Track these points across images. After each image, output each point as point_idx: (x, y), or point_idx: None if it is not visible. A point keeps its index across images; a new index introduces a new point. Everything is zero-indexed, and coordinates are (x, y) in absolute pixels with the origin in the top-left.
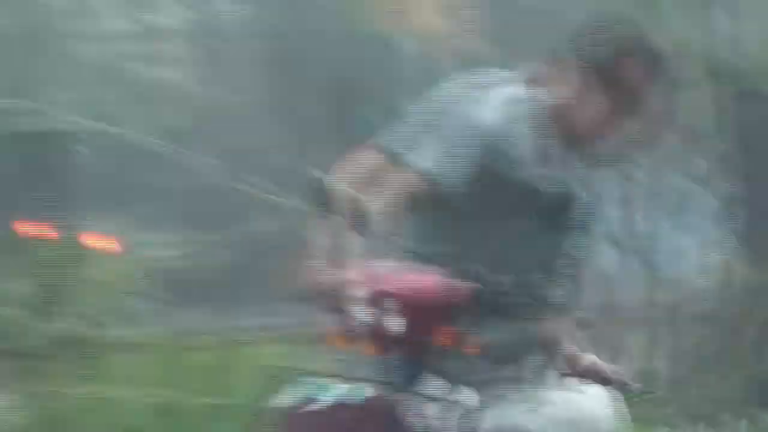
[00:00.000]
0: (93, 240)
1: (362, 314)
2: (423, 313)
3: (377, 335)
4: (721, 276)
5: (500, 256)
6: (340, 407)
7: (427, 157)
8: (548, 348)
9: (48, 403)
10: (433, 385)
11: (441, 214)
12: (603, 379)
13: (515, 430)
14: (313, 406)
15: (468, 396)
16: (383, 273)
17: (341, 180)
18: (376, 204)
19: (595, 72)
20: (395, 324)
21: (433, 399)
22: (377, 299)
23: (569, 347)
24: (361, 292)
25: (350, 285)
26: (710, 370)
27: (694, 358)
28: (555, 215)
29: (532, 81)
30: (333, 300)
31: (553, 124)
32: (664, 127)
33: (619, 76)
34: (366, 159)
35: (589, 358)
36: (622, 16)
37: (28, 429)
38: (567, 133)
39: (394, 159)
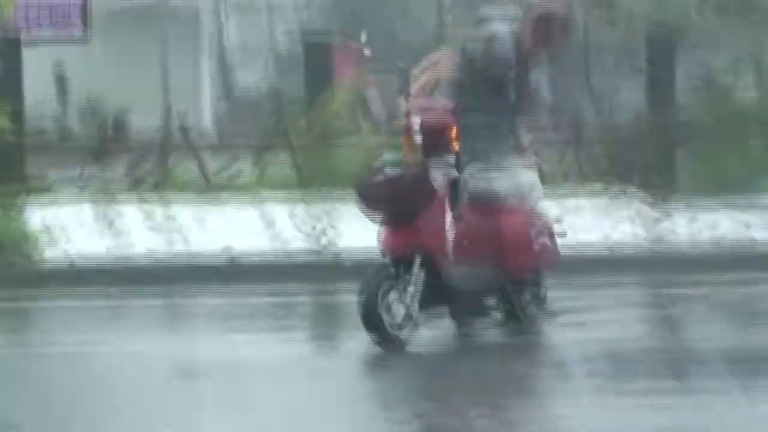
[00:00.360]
0: None
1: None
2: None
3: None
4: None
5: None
6: (386, 179)
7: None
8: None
9: None
10: (439, 165)
11: (469, 78)
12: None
13: (488, 186)
14: (377, 168)
15: (453, 168)
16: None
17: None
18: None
19: (537, 21)
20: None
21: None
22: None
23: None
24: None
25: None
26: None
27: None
28: (521, 85)
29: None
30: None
31: (520, 43)
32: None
33: (548, 23)
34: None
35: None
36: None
37: None
38: (526, 48)
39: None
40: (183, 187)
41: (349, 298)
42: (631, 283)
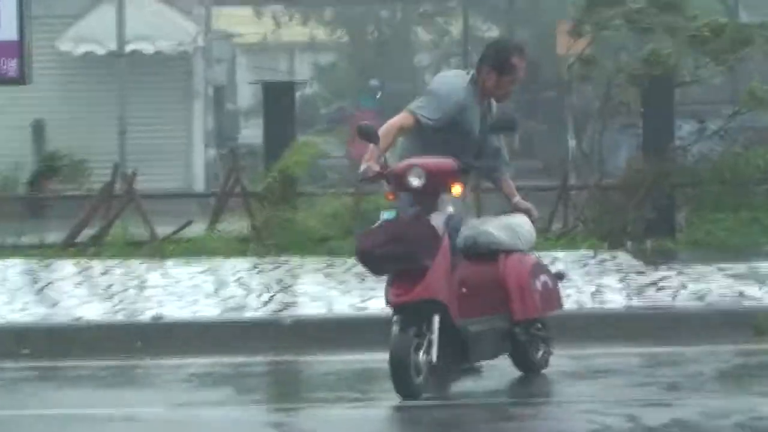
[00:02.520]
0: None
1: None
2: (437, 176)
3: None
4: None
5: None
6: (386, 222)
7: (423, 109)
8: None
9: None
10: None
11: (424, 138)
12: (525, 212)
13: (482, 231)
14: (377, 223)
15: (451, 210)
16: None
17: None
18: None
19: (500, 68)
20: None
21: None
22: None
23: (509, 194)
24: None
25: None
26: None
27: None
28: (484, 137)
29: (474, 77)
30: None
31: (481, 97)
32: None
33: (510, 68)
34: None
35: (517, 199)
36: (508, 40)
37: None
38: (486, 99)
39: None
40: (127, 248)
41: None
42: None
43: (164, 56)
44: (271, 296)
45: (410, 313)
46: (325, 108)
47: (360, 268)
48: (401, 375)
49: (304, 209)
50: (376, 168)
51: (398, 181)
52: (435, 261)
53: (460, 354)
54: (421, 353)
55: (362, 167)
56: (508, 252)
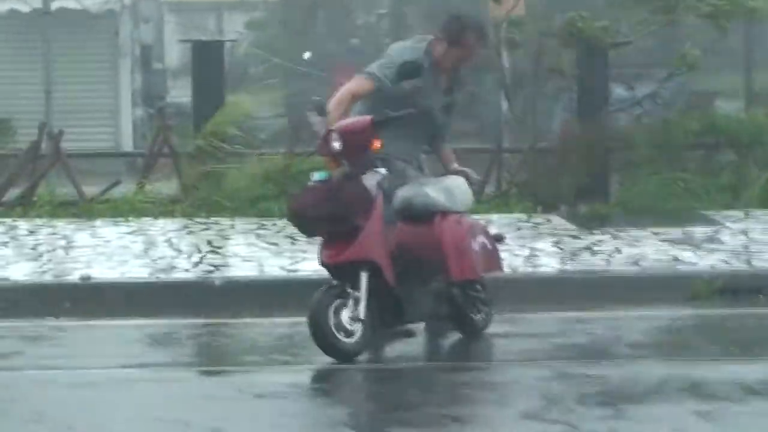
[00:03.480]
0: None
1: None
2: (353, 136)
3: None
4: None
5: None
6: (319, 183)
7: (380, 70)
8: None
9: None
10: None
11: (381, 106)
12: (463, 175)
13: (419, 193)
14: (309, 184)
15: (383, 172)
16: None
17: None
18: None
19: (450, 41)
20: (338, 143)
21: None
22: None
23: (447, 161)
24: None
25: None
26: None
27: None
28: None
29: (430, 44)
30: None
31: (436, 64)
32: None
33: (460, 43)
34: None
35: (455, 165)
36: (469, 16)
37: None
38: (440, 67)
39: (368, 75)
40: (55, 208)
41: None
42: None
43: (90, 14)
44: (201, 257)
45: (344, 274)
46: (256, 66)
47: (292, 230)
48: (319, 334)
49: (234, 169)
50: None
51: (325, 149)
52: (368, 222)
53: (395, 316)
54: (344, 312)
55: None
56: (444, 213)
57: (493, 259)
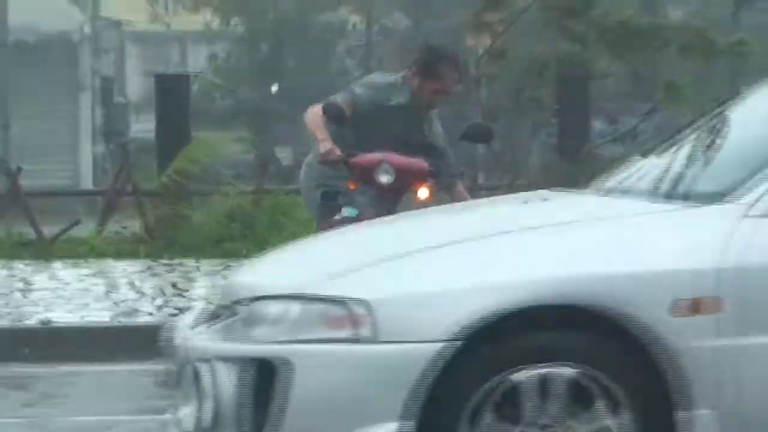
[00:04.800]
0: None
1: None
2: (404, 174)
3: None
4: None
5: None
6: (347, 220)
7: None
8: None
9: None
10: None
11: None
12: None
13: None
14: (337, 218)
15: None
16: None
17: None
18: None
19: (425, 73)
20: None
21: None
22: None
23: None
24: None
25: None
26: None
27: None
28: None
29: (404, 77)
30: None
31: (413, 96)
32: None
33: (435, 75)
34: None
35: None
36: (443, 46)
37: None
38: (416, 98)
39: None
40: (12, 248)
41: None
42: None
43: (48, 44)
44: (166, 300)
45: None
46: (222, 99)
47: None
48: None
49: (198, 209)
50: (338, 152)
51: (364, 174)
52: None
53: None
54: None
55: (322, 148)
56: None
57: None
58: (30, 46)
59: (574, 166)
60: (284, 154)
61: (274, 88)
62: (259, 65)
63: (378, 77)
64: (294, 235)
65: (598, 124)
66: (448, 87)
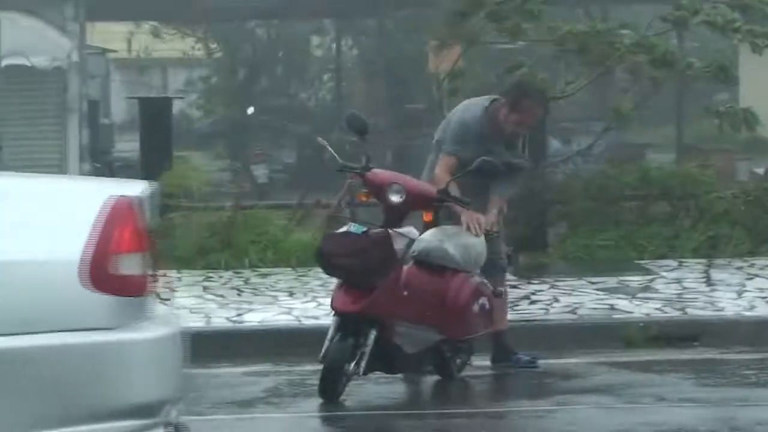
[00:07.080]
0: None
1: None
2: (413, 198)
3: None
4: None
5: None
6: (353, 235)
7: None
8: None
9: None
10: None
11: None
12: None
13: (438, 248)
14: (344, 228)
15: (416, 234)
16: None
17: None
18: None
19: (512, 106)
20: (398, 197)
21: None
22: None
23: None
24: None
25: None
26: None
27: None
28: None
29: (492, 107)
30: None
31: (498, 127)
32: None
33: (520, 109)
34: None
35: (492, 211)
36: (531, 83)
37: None
38: (501, 130)
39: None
40: None
41: None
42: None
43: (39, 71)
44: None
45: (351, 322)
46: (201, 121)
47: (237, 282)
48: (332, 381)
49: (181, 222)
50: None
51: (377, 190)
52: (386, 280)
53: (385, 365)
54: (352, 364)
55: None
56: (456, 271)
57: (487, 319)
58: (21, 71)
59: (532, 181)
60: (259, 172)
61: (250, 110)
62: (235, 89)
63: (467, 114)
64: (268, 248)
65: (554, 143)
66: (530, 120)
